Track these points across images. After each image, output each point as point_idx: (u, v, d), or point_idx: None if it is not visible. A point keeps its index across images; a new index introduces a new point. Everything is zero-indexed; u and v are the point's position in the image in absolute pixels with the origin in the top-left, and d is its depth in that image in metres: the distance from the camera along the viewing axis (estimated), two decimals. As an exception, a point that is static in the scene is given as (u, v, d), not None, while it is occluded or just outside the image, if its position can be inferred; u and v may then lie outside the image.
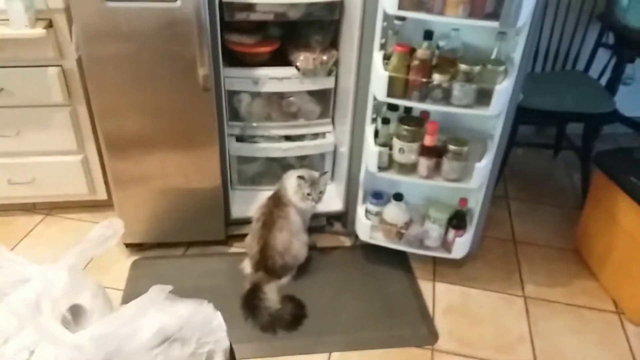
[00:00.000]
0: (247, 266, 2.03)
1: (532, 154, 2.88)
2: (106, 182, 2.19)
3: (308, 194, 1.97)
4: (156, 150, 1.93)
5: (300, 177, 1.98)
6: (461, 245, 1.99)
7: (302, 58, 2.09)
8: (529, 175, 2.76)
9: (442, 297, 2.01)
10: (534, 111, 2.26)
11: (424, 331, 1.87)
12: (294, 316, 1.86)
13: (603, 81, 2.46)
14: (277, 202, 2.02)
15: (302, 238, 2.03)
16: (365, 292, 2.01)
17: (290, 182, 2.02)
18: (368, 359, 1.76)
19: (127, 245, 2.13)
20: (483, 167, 1.78)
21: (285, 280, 1.99)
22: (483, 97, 1.67)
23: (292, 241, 1.98)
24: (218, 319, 0.98)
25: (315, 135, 2.31)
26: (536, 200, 2.57)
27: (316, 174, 2.04)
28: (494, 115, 1.73)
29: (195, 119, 1.88)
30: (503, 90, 1.64)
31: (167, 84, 1.80)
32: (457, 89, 1.67)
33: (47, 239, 2.21)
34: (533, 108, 2.23)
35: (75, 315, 0.87)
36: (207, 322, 0.95)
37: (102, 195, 2.27)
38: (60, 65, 1.97)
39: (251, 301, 1.87)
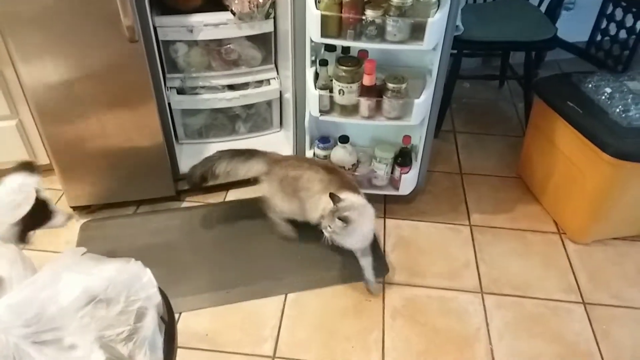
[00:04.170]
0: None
1: (479, 86, 2.90)
2: (46, 146, 2.12)
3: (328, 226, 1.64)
4: (90, 110, 1.86)
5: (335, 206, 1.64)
6: (408, 181, 2.03)
7: (237, 1, 2.00)
8: (475, 107, 2.80)
9: (392, 232, 2.07)
10: (476, 43, 2.26)
11: (375, 265, 1.92)
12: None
13: (544, 8, 2.44)
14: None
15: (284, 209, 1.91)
16: (318, 234, 2.04)
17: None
18: (322, 297, 1.82)
19: (74, 209, 2.10)
20: (422, 103, 1.79)
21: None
22: (417, 31, 1.65)
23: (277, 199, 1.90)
24: (148, 275, 0.98)
25: (260, 83, 2.26)
26: (482, 132, 2.62)
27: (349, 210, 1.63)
28: (429, 50, 1.71)
29: (127, 73, 1.81)
30: (436, 23, 1.62)
31: (91, 37, 1.71)
32: (391, 25, 1.64)
33: (-8, 209, 2.15)
34: (474, 40, 2.22)
35: (-8, 285, 0.87)
36: (135, 279, 0.95)
37: (44, 159, 2.20)
38: (-21, 26, 1.85)
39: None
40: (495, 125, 2.65)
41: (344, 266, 1.92)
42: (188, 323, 1.73)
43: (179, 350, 1.12)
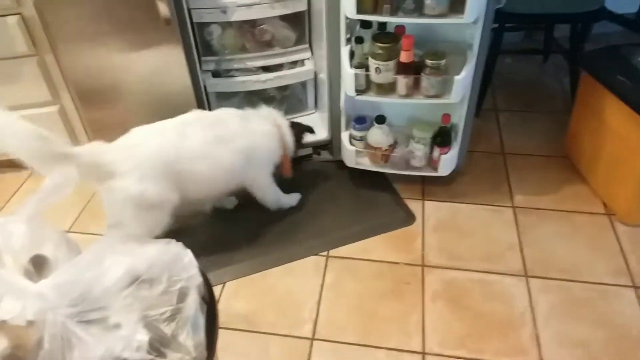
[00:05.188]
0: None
1: (521, 62, 2.78)
2: (87, 131, 2.16)
3: None
4: (128, 94, 1.88)
5: None
6: (447, 162, 1.97)
7: (270, -20, 1.97)
8: (518, 84, 2.69)
9: (431, 215, 2.02)
10: (519, 16, 2.16)
11: (402, 214, 2.03)
12: None
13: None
14: None
15: None
16: (349, 203, 2.11)
17: None
18: (360, 278, 1.81)
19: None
20: (462, 80, 1.72)
21: None
22: (457, 3, 1.58)
23: None
24: (189, 256, 0.98)
25: (294, 64, 2.23)
26: (525, 109, 2.52)
27: None
28: (470, 23, 1.64)
29: (162, 56, 1.82)
30: (477, -6, 1.55)
31: (127, 21, 1.73)
32: (429, -3, 1.58)
33: (37, 193, 2.22)
34: (517, 13, 2.12)
35: (38, 266, 0.88)
36: (176, 260, 0.96)
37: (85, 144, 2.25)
38: (20, 13, 1.88)
39: None
40: (540, 102, 2.54)
41: (371, 219, 1.99)
42: (228, 304, 1.74)
43: (219, 331, 1.12)
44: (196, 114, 1.75)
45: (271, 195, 1.95)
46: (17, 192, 2.23)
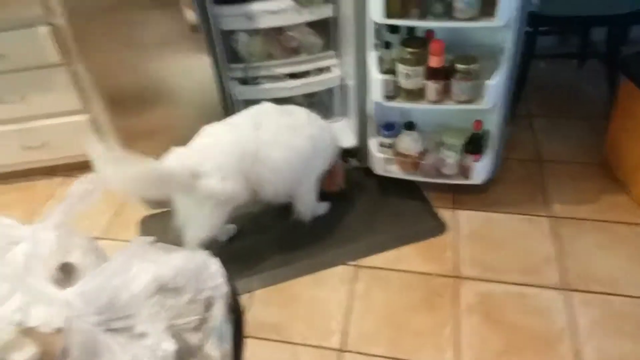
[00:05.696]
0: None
1: (556, 66, 2.70)
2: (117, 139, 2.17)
3: None
4: (157, 103, 1.89)
5: None
6: (480, 170, 1.91)
7: (297, -14, 1.96)
8: (553, 89, 2.61)
9: (463, 224, 1.96)
10: (553, 18, 2.09)
11: (433, 223, 1.97)
12: None
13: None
14: None
15: None
16: (378, 211, 2.07)
17: None
18: (390, 289, 1.76)
19: (145, 199, 2.15)
20: (495, 85, 1.67)
21: None
22: (488, 6, 1.53)
23: None
24: (215, 265, 0.96)
25: (320, 70, 2.21)
26: (561, 116, 2.43)
27: None
28: (502, 26, 1.59)
29: (190, 64, 1.82)
30: (510, -5, 1.50)
31: (156, 30, 1.74)
32: (459, 0, 1.53)
33: (68, 201, 2.25)
34: (551, 15, 2.06)
35: (66, 273, 0.87)
36: (203, 269, 0.94)
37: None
38: (50, 23, 1.92)
39: None
40: (576, 108, 2.46)
41: (404, 227, 1.96)
42: (255, 313, 1.71)
43: (247, 340, 1.09)
44: (265, 107, 1.80)
45: (312, 202, 1.94)
46: (50, 200, 2.26)
